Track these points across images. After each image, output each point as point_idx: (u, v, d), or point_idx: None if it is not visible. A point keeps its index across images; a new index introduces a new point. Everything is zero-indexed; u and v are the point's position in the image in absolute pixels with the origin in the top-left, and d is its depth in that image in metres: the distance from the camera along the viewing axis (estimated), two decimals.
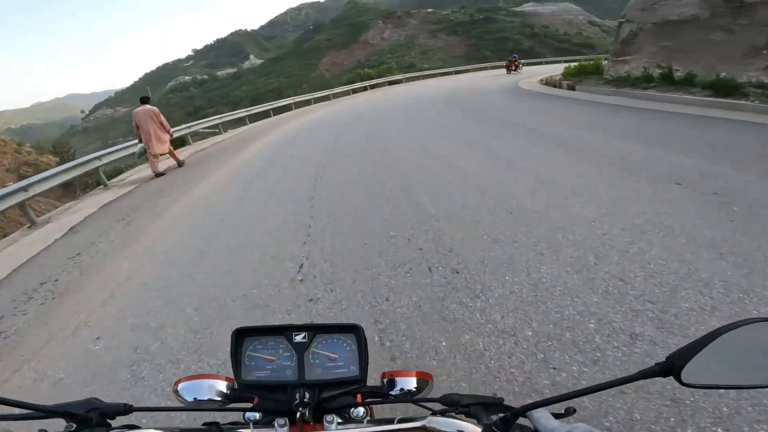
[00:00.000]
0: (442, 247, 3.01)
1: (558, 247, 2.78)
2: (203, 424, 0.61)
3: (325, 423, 0.60)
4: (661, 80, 10.05)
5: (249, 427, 0.60)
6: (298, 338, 0.68)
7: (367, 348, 0.68)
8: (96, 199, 7.01)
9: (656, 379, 0.44)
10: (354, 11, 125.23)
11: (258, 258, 3.34)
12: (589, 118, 7.50)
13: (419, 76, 31.46)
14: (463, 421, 0.55)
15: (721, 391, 0.44)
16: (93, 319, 2.83)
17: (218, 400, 0.70)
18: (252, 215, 4.57)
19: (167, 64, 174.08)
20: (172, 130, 12.31)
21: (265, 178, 6.15)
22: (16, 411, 0.50)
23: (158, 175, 8.07)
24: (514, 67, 25.22)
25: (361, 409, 0.63)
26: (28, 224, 5.92)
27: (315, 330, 0.69)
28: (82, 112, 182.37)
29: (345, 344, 0.68)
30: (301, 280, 2.85)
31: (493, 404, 0.56)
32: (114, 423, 0.56)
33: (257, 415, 0.63)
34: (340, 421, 0.61)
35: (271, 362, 0.67)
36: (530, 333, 2.00)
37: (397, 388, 0.73)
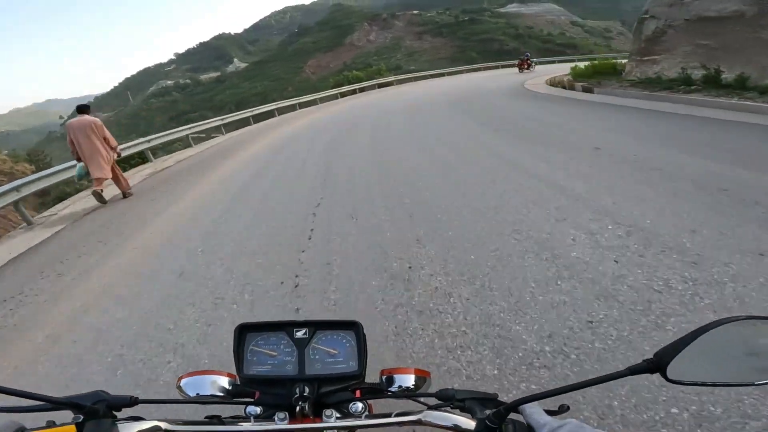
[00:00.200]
0: None
1: None
2: (206, 417, 0.63)
3: (324, 417, 0.62)
4: (703, 83, 8.55)
5: (250, 421, 0.62)
6: (299, 334, 0.69)
7: (366, 344, 0.68)
8: (6, 247, 5.10)
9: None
10: (339, 14, 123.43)
11: None
12: (653, 130, 5.85)
13: (411, 78, 29.70)
14: (458, 415, 0.57)
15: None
16: None
17: (220, 395, 0.70)
18: (210, 297, 2.80)
19: (149, 68, 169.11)
20: (150, 138, 10.30)
21: (234, 223, 4.34)
22: (24, 402, 0.50)
23: (103, 200, 6.33)
24: (526, 66, 24.08)
25: (359, 404, 0.64)
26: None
27: (316, 326, 0.69)
28: (61, 117, 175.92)
29: (345, 340, 0.69)
30: None
31: (487, 399, 0.58)
32: (120, 415, 0.57)
33: (258, 409, 0.63)
34: (338, 415, 0.62)
35: (273, 357, 0.68)
36: None
37: (396, 384, 0.73)
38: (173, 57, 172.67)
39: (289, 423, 0.61)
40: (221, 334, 2.38)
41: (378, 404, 0.75)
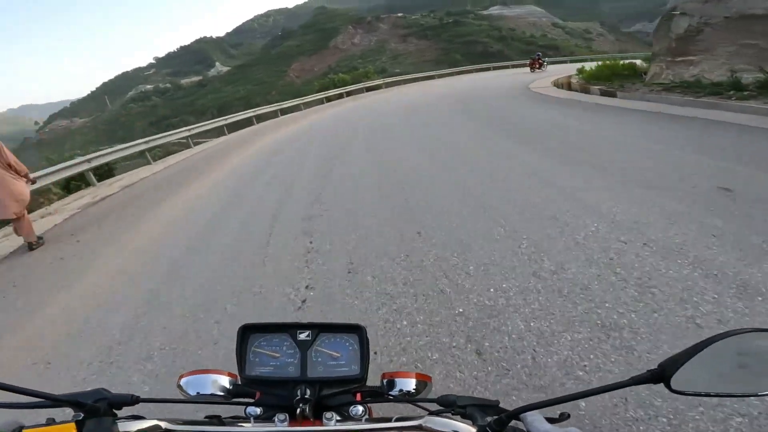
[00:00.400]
0: None
1: None
2: (205, 417, 0.63)
3: (324, 420, 0.61)
4: (758, 88, 7.12)
5: (250, 422, 0.61)
6: (302, 336, 0.68)
7: (368, 348, 0.67)
8: None
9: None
10: (323, 17, 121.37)
11: None
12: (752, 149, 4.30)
13: (400, 81, 28.03)
14: (459, 421, 0.56)
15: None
16: None
17: (221, 395, 0.70)
18: None
19: (127, 72, 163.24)
20: (90, 157, 8.06)
21: (174, 306, 2.61)
22: (25, 399, 0.50)
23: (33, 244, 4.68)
24: (537, 66, 23.14)
25: (360, 408, 0.63)
26: None
27: (319, 329, 0.69)
28: (36, 123, 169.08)
29: (347, 344, 0.68)
30: None
31: (488, 406, 0.57)
32: (120, 413, 0.56)
33: (258, 410, 0.63)
34: (339, 418, 0.61)
35: (275, 359, 0.67)
36: None
37: (397, 388, 0.72)
38: (153, 61, 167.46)
39: (289, 425, 0.60)
40: None
41: (378, 408, 0.73)
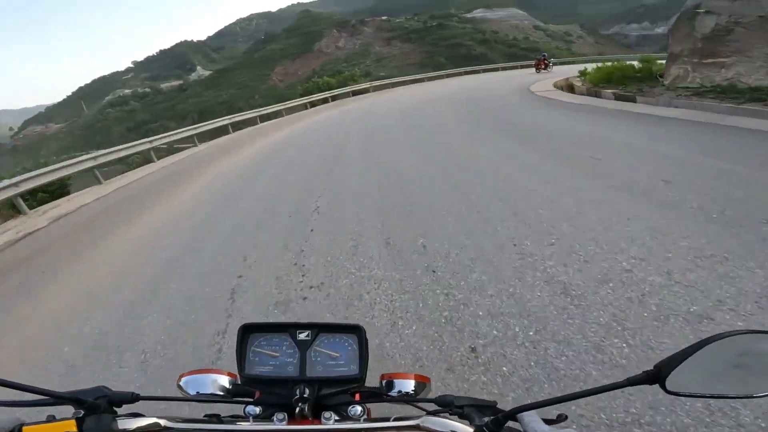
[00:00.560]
0: None
1: None
2: (204, 416, 0.62)
3: (322, 419, 0.61)
4: None
5: (249, 421, 0.61)
6: (302, 336, 0.68)
7: (368, 349, 0.67)
8: None
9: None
10: (307, 20, 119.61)
11: None
12: None
13: (389, 84, 26.74)
14: (456, 422, 0.56)
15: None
16: None
17: (220, 394, 0.70)
18: None
19: (104, 76, 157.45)
20: (18, 180, 6.38)
21: None
22: (25, 396, 0.49)
23: None
24: (543, 67, 22.67)
25: (358, 408, 0.63)
26: None
27: (318, 329, 0.69)
28: (11, 129, 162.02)
29: (347, 344, 0.68)
30: None
31: (485, 406, 0.57)
32: (120, 411, 0.56)
33: (257, 409, 0.63)
34: (337, 418, 0.62)
35: (274, 358, 0.67)
36: None
37: (395, 389, 0.72)
38: (131, 65, 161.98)
39: (288, 424, 0.60)
40: None
41: (377, 408, 0.74)
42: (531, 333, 1.96)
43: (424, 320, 2.20)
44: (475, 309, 2.22)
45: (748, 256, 2.29)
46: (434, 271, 2.68)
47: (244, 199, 5.35)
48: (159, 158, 10.82)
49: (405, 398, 0.71)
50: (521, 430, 0.50)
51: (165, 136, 11.35)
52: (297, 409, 0.60)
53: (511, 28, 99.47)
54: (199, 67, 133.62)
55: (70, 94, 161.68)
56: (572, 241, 2.77)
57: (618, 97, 9.29)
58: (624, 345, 1.78)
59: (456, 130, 7.80)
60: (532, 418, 0.50)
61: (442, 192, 4.24)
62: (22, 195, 6.73)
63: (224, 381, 0.71)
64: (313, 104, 21.04)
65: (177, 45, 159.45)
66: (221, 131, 14.47)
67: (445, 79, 27.68)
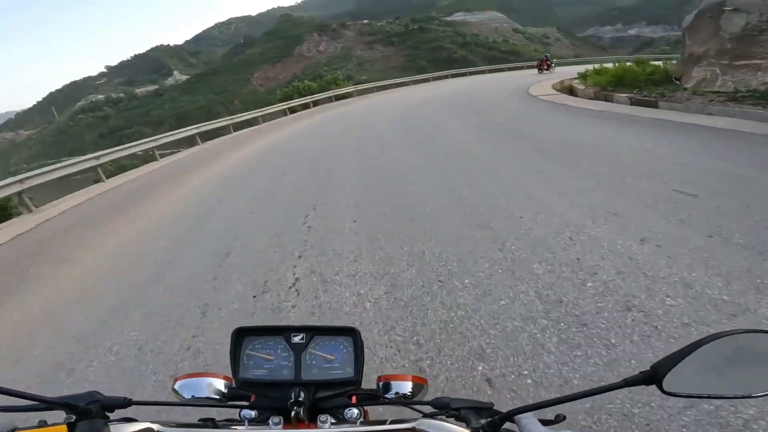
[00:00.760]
0: None
1: None
2: (199, 420, 0.62)
3: (318, 423, 0.60)
4: None
5: (244, 425, 0.61)
6: (296, 339, 0.67)
7: (363, 351, 0.66)
8: None
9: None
10: (287, 24, 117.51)
11: None
12: None
13: (373, 88, 25.34)
14: (453, 424, 0.55)
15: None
16: None
17: (216, 398, 0.70)
18: None
19: (76, 81, 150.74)
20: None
21: None
22: (16, 402, 0.49)
23: None
24: (545, 67, 22.62)
25: (354, 410, 0.62)
26: None
27: (313, 331, 0.68)
28: None
29: (342, 346, 0.67)
30: None
31: (482, 408, 0.57)
32: (113, 416, 0.56)
33: (253, 413, 0.62)
34: (333, 421, 0.61)
35: (269, 361, 0.66)
36: None
37: (392, 391, 0.72)
38: (104, 70, 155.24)
39: (284, 427, 0.60)
40: None
41: (374, 411, 0.72)
42: None
43: None
44: None
45: None
46: None
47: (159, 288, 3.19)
48: (110, 176, 9.16)
49: (401, 400, 0.69)
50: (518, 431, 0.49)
51: (115, 150, 9.49)
52: (293, 413, 0.58)
53: (491, 31, 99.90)
54: (176, 72, 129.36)
55: (40, 99, 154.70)
56: None
57: (635, 102, 8.22)
58: None
59: (470, 144, 6.53)
60: (529, 420, 0.49)
61: (495, 272, 2.56)
62: None
63: (219, 384, 0.70)
64: (293, 110, 19.52)
65: (152, 49, 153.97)
66: (189, 141, 12.86)
67: (432, 83, 26.51)
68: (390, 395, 0.72)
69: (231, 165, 8.42)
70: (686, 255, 2.42)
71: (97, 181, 8.78)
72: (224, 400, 0.70)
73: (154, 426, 0.55)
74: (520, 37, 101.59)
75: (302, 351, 0.66)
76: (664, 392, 0.43)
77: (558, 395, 0.48)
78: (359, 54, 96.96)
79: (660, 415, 1.42)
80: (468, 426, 0.53)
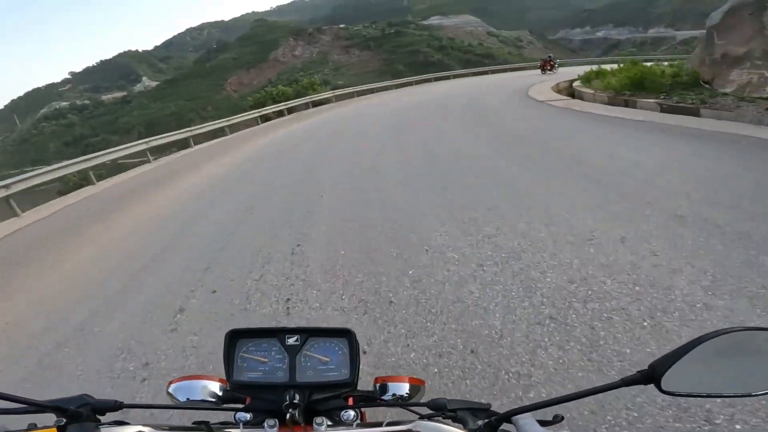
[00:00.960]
0: None
1: None
2: (193, 423, 0.61)
3: (314, 425, 0.59)
4: None
5: (239, 427, 0.59)
6: (291, 341, 0.66)
7: (359, 353, 0.66)
8: None
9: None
10: (262, 29, 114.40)
11: None
12: None
13: (353, 93, 23.54)
14: (450, 425, 0.54)
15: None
16: None
17: (211, 401, 0.69)
18: None
19: (39, 88, 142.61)
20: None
21: None
22: (6, 405, 0.49)
23: None
24: (549, 68, 22.11)
25: (351, 412, 0.62)
26: None
27: (308, 333, 0.67)
28: None
29: (337, 348, 0.66)
30: None
31: (479, 409, 0.56)
32: (104, 419, 0.55)
33: (248, 416, 0.61)
34: (329, 423, 0.60)
35: (263, 364, 0.65)
36: None
37: (389, 393, 0.71)
38: (68, 76, 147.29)
39: (279, 430, 0.59)
40: None
41: (370, 412, 0.71)
42: None
43: None
44: None
45: None
46: None
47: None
48: (24, 210, 7.13)
49: (398, 402, 0.69)
50: None
51: (22, 180, 7.20)
52: (288, 415, 0.57)
53: (466, 35, 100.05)
54: (145, 78, 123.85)
55: (1, 107, 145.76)
56: None
57: (667, 109, 6.95)
58: None
59: (495, 168, 5.05)
60: (526, 420, 0.48)
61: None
62: None
63: (215, 387, 0.69)
64: (267, 118, 17.68)
65: (120, 55, 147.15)
66: (139, 157, 10.86)
67: (415, 87, 25.00)
68: (387, 397, 0.70)
69: (181, 195, 6.64)
70: None
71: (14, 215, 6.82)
72: (219, 402, 0.68)
73: (146, 429, 0.54)
74: (495, 41, 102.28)
75: (297, 353, 0.65)
76: (662, 391, 0.43)
77: (557, 395, 0.46)
78: (336, 58, 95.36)
79: None
80: (465, 427, 0.53)
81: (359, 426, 0.60)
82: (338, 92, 23.19)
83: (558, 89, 12.69)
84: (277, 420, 0.59)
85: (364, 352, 2.03)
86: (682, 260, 2.38)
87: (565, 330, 1.96)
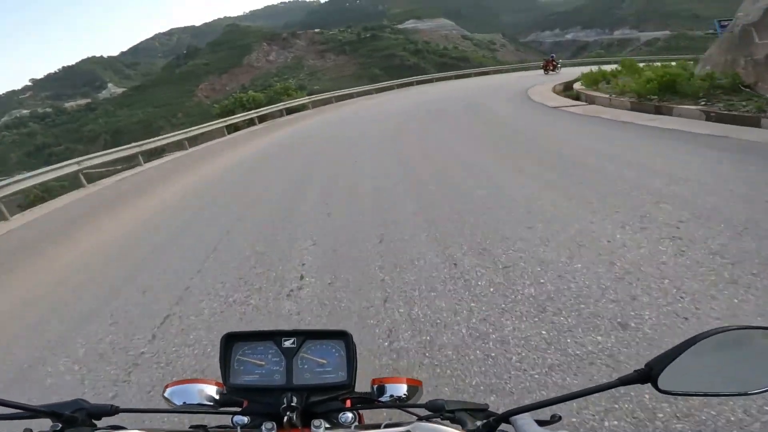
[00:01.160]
0: None
1: None
2: (190, 427, 0.61)
3: (312, 427, 0.59)
4: None
5: (236, 431, 0.59)
6: (287, 344, 0.65)
7: (356, 354, 0.65)
8: None
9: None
10: (235, 34, 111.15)
11: None
12: None
13: (332, 98, 21.56)
14: (448, 427, 0.53)
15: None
16: None
17: (208, 404, 0.68)
18: None
19: None
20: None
21: None
22: (2, 410, 0.49)
23: None
24: (551, 67, 21.67)
25: (349, 414, 0.61)
26: None
27: (305, 336, 0.66)
28: None
29: (334, 350, 0.65)
30: None
31: (477, 410, 0.56)
32: (100, 424, 0.55)
33: (245, 419, 0.60)
34: (327, 426, 0.60)
35: (260, 367, 0.64)
36: None
37: (387, 394, 0.71)
38: (29, 83, 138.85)
39: None
40: None
41: (369, 414, 0.68)
42: None
43: None
44: None
45: None
46: None
47: None
48: None
49: (396, 403, 0.69)
50: None
51: None
52: (285, 418, 0.57)
53: (441, 38, 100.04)
54: (110, 85, 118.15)
55: None
56: None
57: (715, 118, 5.71)
58: None
59: (533, 200, 3.61)
60: (525, 420, 0.48)
61: None
62: None
63: (212, 390, 0.69)
64: (233, 128, 15.81)
65: (83, 61, 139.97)
66: (70, 180, 8.81)
67: (397, 91, 23.57)
68: (385, 398, 0.70)
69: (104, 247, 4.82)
70: None
71: None
72: (216, 406, 0.67)
73: None
74: (469, 44, 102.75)
75: (294, 355, 0.64)
76: (659, 391, 0.42)
77: (555, 395, 0.46)
78: (311, 63, 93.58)
79: None
80: (463, 428, 0.52)
81: (357, 428, 0.59)
82: (315, 98, 21.39)
83: (559, 92, 11.54)
84: (274, 423, 0.58)
85: None
86: None
87: None
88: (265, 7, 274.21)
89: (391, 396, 0.71)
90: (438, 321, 2.17)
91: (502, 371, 1.74)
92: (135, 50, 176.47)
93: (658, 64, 9.81)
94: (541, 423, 0.48)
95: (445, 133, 8.10)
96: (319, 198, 4.93)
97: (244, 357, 0.65)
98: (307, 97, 21.29)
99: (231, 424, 0.60)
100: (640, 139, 5.57)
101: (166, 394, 0.69)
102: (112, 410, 0.55)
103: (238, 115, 16.51)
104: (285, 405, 0.58)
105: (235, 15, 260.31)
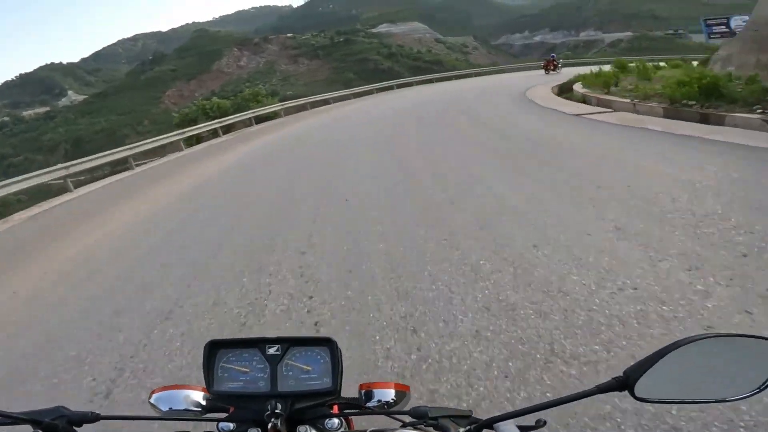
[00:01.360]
0: None
1: None
2: None
3: None
4: None
5: None
6: (272, 351, 0.65)
7: (341, 361, 0.65)
8: None
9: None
10: (204, 39, 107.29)
11: None
12: None
13: (306, 105, 19.88)
14: None
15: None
16: None
17: (194, 410, 0.68)
18: None
19: None
20: None
21: None
22: None
23: None
24: (552, 67, 21.77)
25: (335, 420, 0.62)
26: None
27: (289, 343, 0.66)
28: None
29: (319, 357, 0.66)
30: None
31: (460, 416, 0.57)
32: (81, 431, 0.55)
33: (231, 426, 0.61)
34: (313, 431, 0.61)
35: (244, 374, 0.65)
36: None
37: (375, 399, 0.70)
38: None
39: None
40: None
41: (356, 419, 0.72)
42: None
43: None
44: None
45: None
46: None
47: None
48: None
49: (384, 409, 0.69)
50: None
51: None
52: (270, 425, 0.57)
53: (414, 42, 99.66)
54: (70, 92, 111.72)
55: None
56: None
57: (744, 125, 4.51)
58: None
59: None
60: (507, 427, 0.48)
61: None
62: None
63: (197, 397, 0.68)
64: (194, 140, 13.89)
65: (42, 68, 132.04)
66: None
67: (376, 95, 22.20)
68: (372, 403, 0.69)
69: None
70: None
71: None
72: (203, 412, 0.66)
73: None
74: (442, 47, 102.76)
75: (278, 362, 0.64)
76: (636, 398, 0.43)
77: (532, 404, 0.47)
78: (284, 68, 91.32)
79: None
80: None
81: None
82: (288, 104, 19.65)
83: (564, 95, 10.39)
84: (259, 429, 0.58)
85: None
86: None
87: None
88: (236, 12, 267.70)
89: (379, 401, 0.68)
90: None
91: None
92: (97, 56, 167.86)
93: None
94: (523, 429, 0.49)
95: (436, 138, 6.95)
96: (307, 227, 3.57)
97: (228, 364, 0.64)
98: (279, 104, 19.55)
99: (217, 431, 0.60)
100: (735, 164, 3.85)
101: (152, 400, 0.67)
102: (93, 417, 0.54)
103: (199, 126, 14.68)
104: (269, 412, 0.57)
105: (204, 20, 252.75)
